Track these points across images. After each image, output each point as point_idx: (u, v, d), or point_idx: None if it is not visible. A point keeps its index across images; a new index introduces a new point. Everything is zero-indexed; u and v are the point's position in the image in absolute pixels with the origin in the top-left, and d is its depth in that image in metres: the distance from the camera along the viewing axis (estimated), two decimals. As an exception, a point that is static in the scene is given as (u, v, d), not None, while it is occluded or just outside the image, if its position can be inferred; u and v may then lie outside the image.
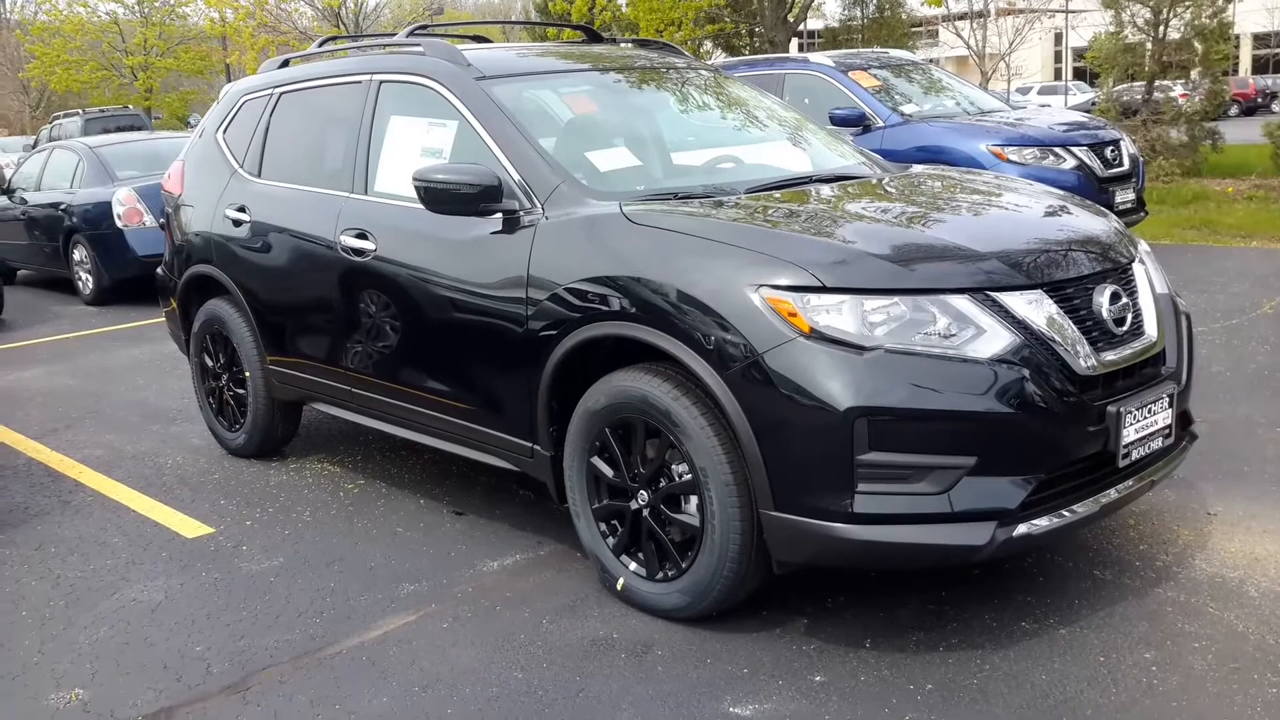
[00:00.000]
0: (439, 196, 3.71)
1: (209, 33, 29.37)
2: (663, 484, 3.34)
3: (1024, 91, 37.68)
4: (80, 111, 25.24)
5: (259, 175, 5.07)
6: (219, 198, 5.17)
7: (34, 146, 19.64)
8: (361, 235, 4.27)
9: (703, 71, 4.93)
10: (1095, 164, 8.49)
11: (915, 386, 2.92)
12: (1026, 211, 3.70)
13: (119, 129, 20.93)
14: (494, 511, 4.41)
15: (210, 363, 5.40)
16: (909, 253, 3.14)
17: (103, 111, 24.91)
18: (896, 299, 3.00)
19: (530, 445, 3.76)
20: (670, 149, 4.44)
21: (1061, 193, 4.09)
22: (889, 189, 3.95)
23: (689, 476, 3.23)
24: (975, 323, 2.99)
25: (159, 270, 5.86)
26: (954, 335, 2.98)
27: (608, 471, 3.49)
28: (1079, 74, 42.67)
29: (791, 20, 15.09)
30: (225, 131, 5.38)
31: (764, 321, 3.01)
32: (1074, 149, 8.48)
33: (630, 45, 5.29)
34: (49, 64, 31.23)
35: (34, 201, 11.54)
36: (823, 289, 2.99)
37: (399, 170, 4.19)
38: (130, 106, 27.98)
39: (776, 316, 3.00)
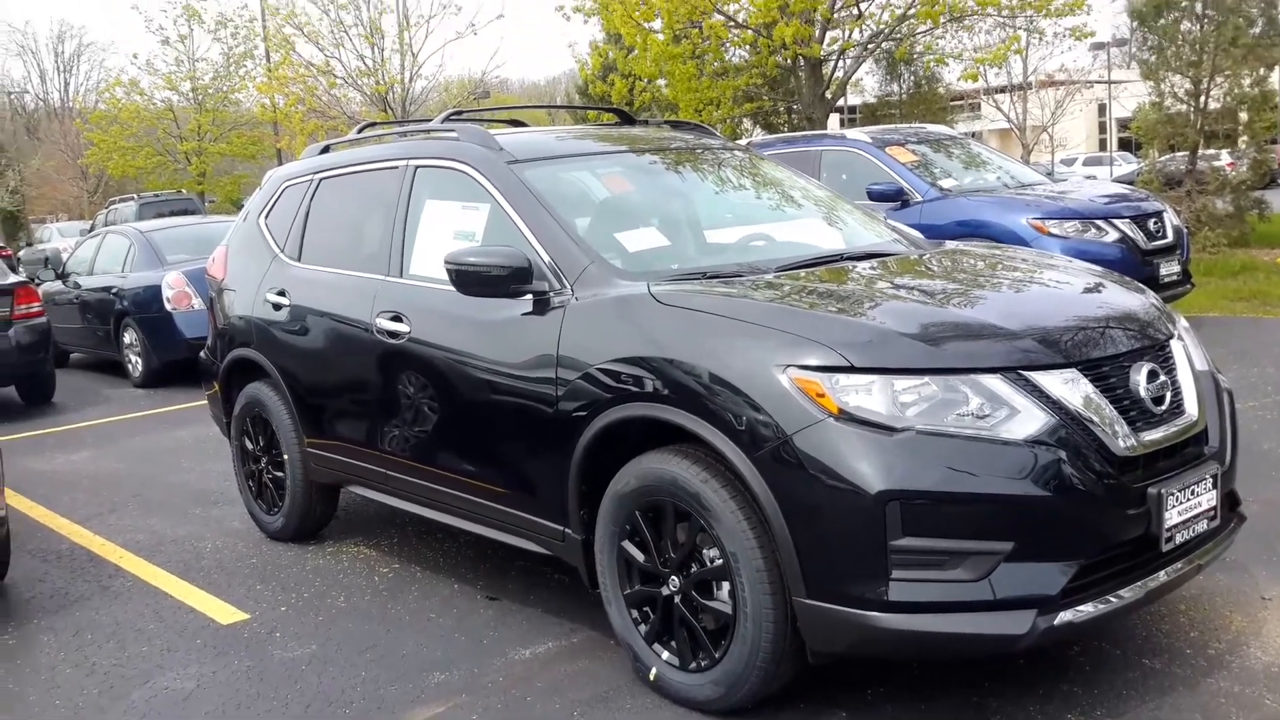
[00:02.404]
0: (470, 279, 3.75)
1: (260, 118, 30.15)
2: (694, 569, 3.29)
3: (1068, 163, 37.62)
4: (135, 196, 25.90)
5: (299, 259, 5.15)
6: (260, 282, 5.26)
7: (90, 231, 20.18)
8: (396, 318, 4.31)
9: (736, 152, 4.97)
10: (1138, 236, 8.40)
11: (949, 469, 2.86)
12: (1062, 288, 3.65)
13: (173, 213, 21.44)
14: (528, 597, 4.37)
15: (250, 445, 5.44)
16: (940, 331, 3.11)
17: (157, 196, 25.51)
18: (928, 379, 2.95)
19: (561, 529, 3.73)
20: (703, 228, 4.46)
21: (1099, 269, 4.05)
22: (922, 266, 3.93)
23: (720, 562, 3.18)
24: (1009, 403, 2.94)
25: (202, 354, 5.95)
26: (987, 416, 2.92)
27: (639, 556, 3.45)
28: (1124, 144, 42.55)
29: (829, 97, 15.25)
30: (267, 216, 5.49)
31: (792, 403, 2.97)
32: (1116, 221, 8.40)
33: (663, 127, 5.36)
34: (106, 150, 32.15)
35: (87, 286, 11.79)
36: (851, 369, 2.96)
37: (433, 253, 4.24)
38: (184, 191, 28.70)
39: (805, 397, 2.96)
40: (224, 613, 4.48)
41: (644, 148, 4.75)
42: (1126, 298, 3.58)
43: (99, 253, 12.08)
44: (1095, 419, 2.99)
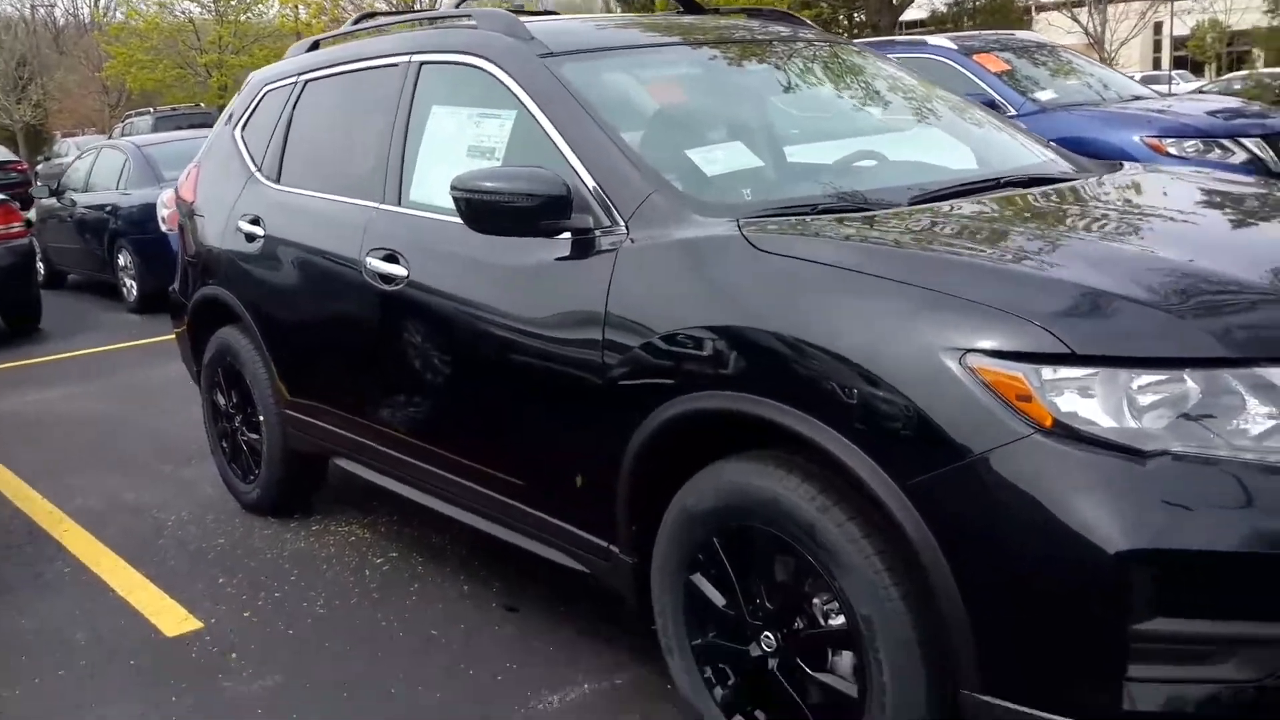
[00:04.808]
0: (487, 210, 2.71)
1: (282, 29, 28.94)
2: (801, 626, 2.30)
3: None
4: (152, 109, 24.86)
5: (277, 180, 4.13)
6: (232, 207, 4.24)
7: (107, 146, 19.19)
8: (391, 257, 3.29)
9: (832, 45, 3.86)
10: (1269, 157, 7.20)
11: (1224, 513, 1.83)
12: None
13: (191, 127, 20.40)
14: (556, 610, 3.40)
15: (223, 401, 4.48)
16: (1192, 299, 2.05)
17: (174, 110, 24.49)
18: (1184, 374, 1.91)
19: (605, 545, 2.74)
20: (785, 143, 3.38)
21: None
22: (1114, 198, 2.84)
23: (843, 623, 2.19)
24: None
25: (172, 287, 4.96)
26: (1277, 431, 1.88)
27: (716, 598, 2.46)
28: (1179, 63, 40.67)
29: (897, 4, 13.83)
30: (244, 128, 4.46)
31: (976, 407, 1.94)
32: (1244, 140, 7.20)
33: (739, 15, 4.21)
34: (125, 63, 31.13)
35: (81, 203, 10.87)
36: (1071, 358, 1.92)
37: (440, 175, 3.18)
38: (202, 105, 27.63)
39: (996, 399, 1.93)
40: (172, 618, 3.55)
41: (717, 39, 3.64)
42: None
43: (94, 168, 11.13)
44: None
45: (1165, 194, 2.90)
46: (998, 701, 1.95)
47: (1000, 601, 1.94)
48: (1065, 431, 1.88)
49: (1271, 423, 1.88)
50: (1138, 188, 2.96)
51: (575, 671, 3.05)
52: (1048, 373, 1.91)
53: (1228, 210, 2.72)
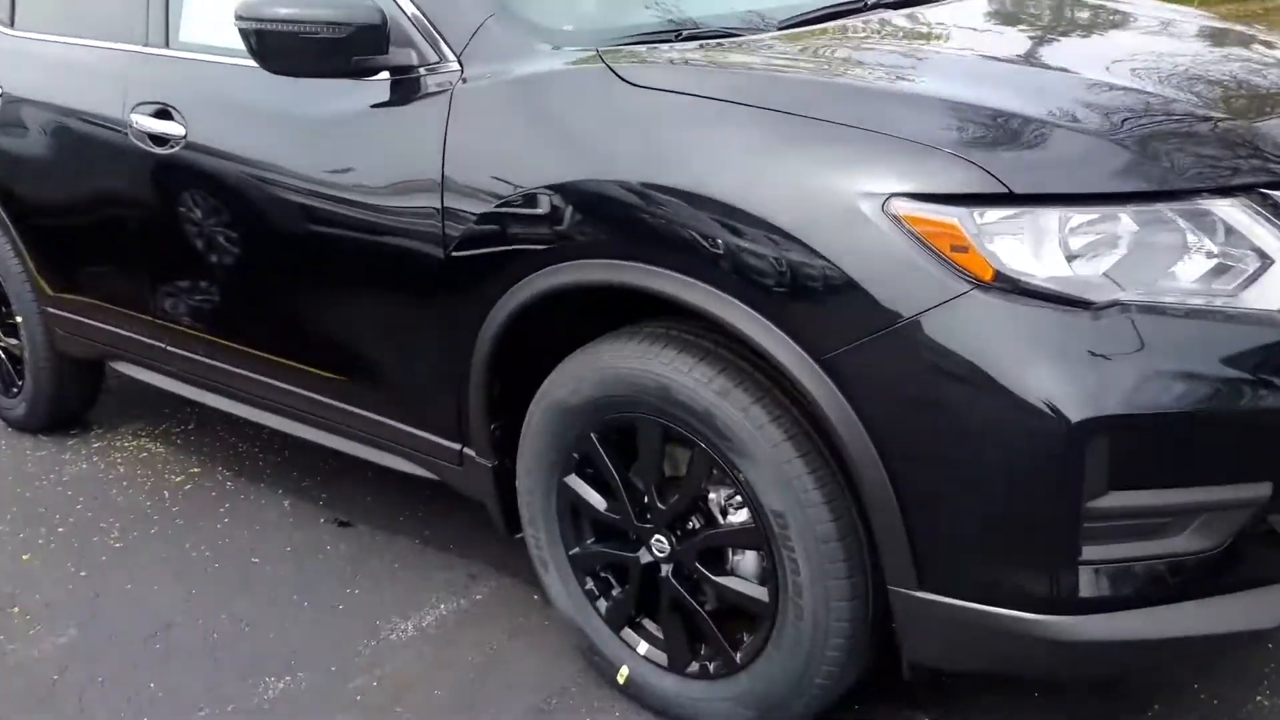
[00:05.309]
0: (283, 45, 2.18)
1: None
2: (698, 526, 2.01)
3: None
4: None
5: (10, 25, 3.42)
6: (-47, 60, 3.49)
7: None
8: (163, 113, 2.73)
9: None
10: None
11: (1184, 370, 1.62)
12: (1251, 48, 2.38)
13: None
14: (396, 520, 3.02)
15: (-33, 301, 3.78)
16: (1130, 125, 1.79)
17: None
18: (1120, 211, 1.67)
19: (456, 448, 2.37)
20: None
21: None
22: (1019, 15, 2.57)
23: (747, 519, 1.91)
24: (1259, 246, 1.68)
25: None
26: (1227, 270, 1.67)
27: (596, 501, 2.13)
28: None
29: None
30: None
31: (902, 262, 1.65)
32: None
33: None
34: None
35: None
36: (1009, 198, 1.64)
37: (218, 3, 2.60)
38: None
39: (925, 251, 1.64)
40: (-70, 569, 2.98)
41: None
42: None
43: None
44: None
45: (1073, 12, 2.63)
46: (936, 598, 1.72)
47: (937, 486, 1.69)
48: (1008, 285, 1.61)
49: (1215, 260, 1.67)
50: (1042, 3, 2.70)
51: (427, 591, 2.69)
52: (982, 216, 1.63)
53: (1148, 31, 2.48)
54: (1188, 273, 1.65)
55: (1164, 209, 1.67)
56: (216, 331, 2.83)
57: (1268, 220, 1.67)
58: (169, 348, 3.01)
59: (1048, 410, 1.57)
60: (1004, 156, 1.68)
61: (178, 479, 3.39)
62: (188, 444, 3.62)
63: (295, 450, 3.41)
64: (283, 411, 2.79)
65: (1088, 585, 1.64)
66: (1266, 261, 1.67)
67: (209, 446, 3.57)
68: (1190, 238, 1.66)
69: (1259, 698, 2.10)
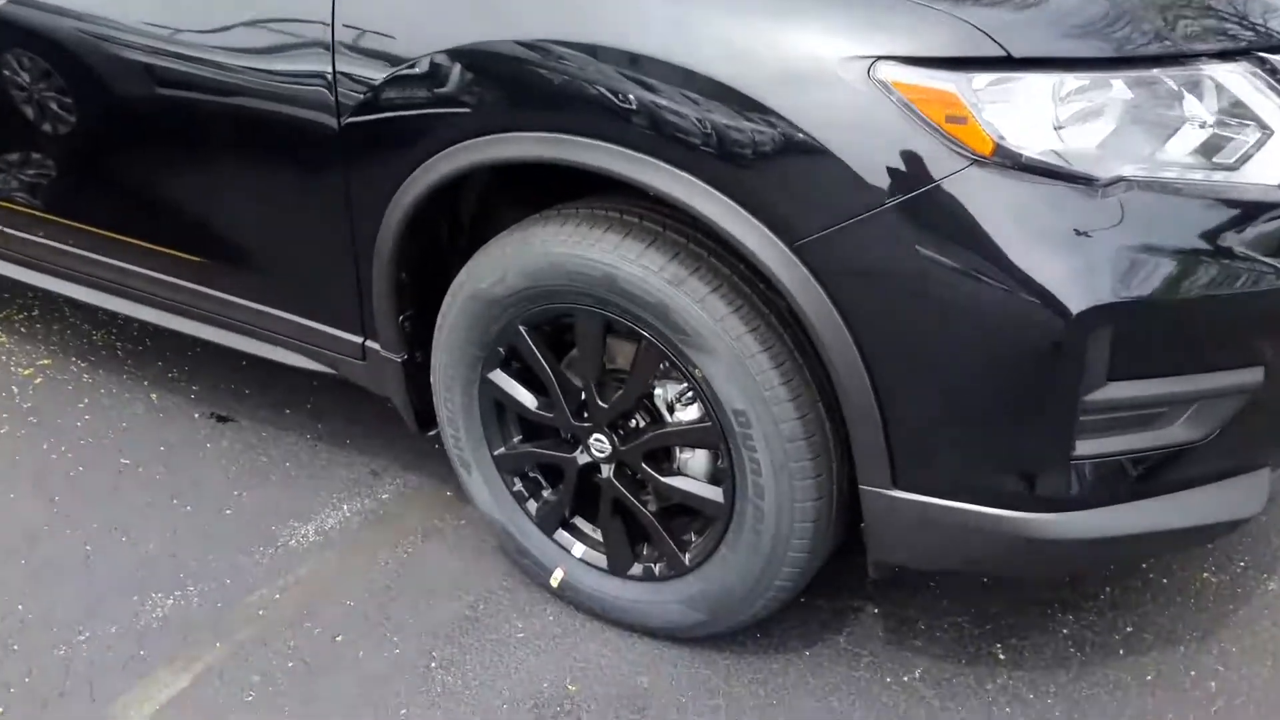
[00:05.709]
0: None
1: None
2: (644, 424, 1.84)
3: None
4: None
5: None
6: None
7: None
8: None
9: None
10: None
11: (1191, 251, 1.50)
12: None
13: None
14: (282, 412, 2.76)
15: None
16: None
17: None
18: (1114, 76, 1.51)
19: (359, 341, 2.12)
20: None
21: None
22: None
23: (699, 416, 1.75)
24: (1259, 115, 1.56)
25: None
26: (1227, 142, 1.55)
27: (526, 399, 1.94)
28: None
29: None
30: None
31: (891, 133, 1.46)
32: None
33: None
34: None
35: None
36: (1008, 61, 1.46)
37: None
38: None
39: (919, 122, 1.46)
40: None
41: None
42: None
43: None
44: None
45: None
46: (915, 497, 1.61)
47: (920, 380, 1.55)
48: (1008, 160, 1.45)
49: (1212, 130, 1.54)
50: None
51: (326, 491, 2.47)
52: (983, 82, 1.46)
53: None
54: (1186, 145, 1.52)
55: (1159, 74, 1.52)
56: (62, 213, 2.46)
57: (1268, 87, 1.54)
58: (10, 231, 2.62)
59: (1052, 298, 1.43)
60: (1002, 15, 1.50)
61: (25, 372, 3.02)
62: (33, 332, 3.23)
63: (157, 337, 3.08)
64: (146, 300, 2.47)
65: (1076, 481, 1.54)
66: (1267, 132, 1.55)
67: (58, 335, 3.20)
68: (1189, 107, 1.53)
69: (1205, 574, 2.10)
